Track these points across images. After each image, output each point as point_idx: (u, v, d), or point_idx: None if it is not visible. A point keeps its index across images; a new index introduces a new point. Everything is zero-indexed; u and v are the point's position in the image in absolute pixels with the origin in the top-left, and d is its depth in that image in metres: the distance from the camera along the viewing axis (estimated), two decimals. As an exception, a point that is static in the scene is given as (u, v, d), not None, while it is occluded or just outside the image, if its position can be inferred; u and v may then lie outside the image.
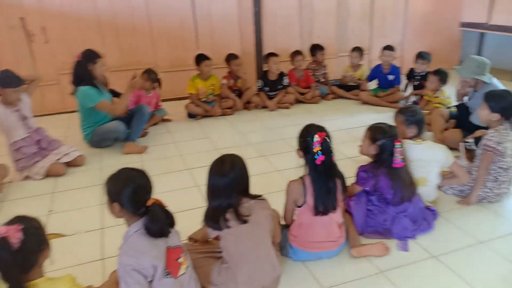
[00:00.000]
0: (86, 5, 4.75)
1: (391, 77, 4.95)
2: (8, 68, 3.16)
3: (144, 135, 4.12)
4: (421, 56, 4.58)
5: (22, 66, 4.52)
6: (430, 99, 4.14)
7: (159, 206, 1.61)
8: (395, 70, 4.94)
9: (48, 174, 3.23)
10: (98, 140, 3.75)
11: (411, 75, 4.78)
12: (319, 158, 1.96)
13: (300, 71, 5.17)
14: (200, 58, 4.59)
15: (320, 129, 2.01)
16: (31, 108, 3.32)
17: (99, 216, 2.67)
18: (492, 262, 2.14)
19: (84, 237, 2.45)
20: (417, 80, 4.66)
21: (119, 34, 4.97)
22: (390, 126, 2.33)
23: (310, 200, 2.04)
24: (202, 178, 3.10)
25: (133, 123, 3.76)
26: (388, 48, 4.91)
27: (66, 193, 3.04)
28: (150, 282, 1.60)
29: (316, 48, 5.26)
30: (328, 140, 1.99)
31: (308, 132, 2.02)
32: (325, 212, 2.05)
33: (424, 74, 4.50)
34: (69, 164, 3.39)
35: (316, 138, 1.95)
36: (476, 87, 3.38)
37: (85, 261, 2.21)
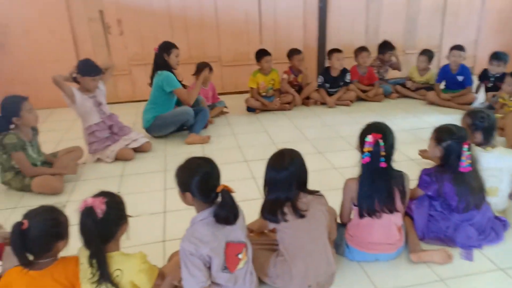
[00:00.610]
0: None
1: (460, 78, 4.67)
2: (87, 57, 3.42)
3: (210, 122, 4.32)
4: (497, 56, 4.27)
5: (99, 56, 4.85)
6: (505, 102, 3.85)
7: (228, 192, 1.64)
8: (464, 71, 4.66)
9: (118, 158, 3.46)
10: (163, 125, 3.86)
11: (484, 76, 4.49)
12: (365, 159, 1.93)
13: (363, 68, 5.05)
14: (261, 54, 4.63)
15: (378, 130, 1.95)
16: (105, 95, 3.56)
17: (162, 200, 2.81)
18: None
19: (148, 219, 2.59)
20: (491, 81, 4.36)
21: (188, 28, 5.16)
22: (459, 127, 2.19)
23: None
24: (258, 170, 3.20)
25: (197, 117, 3.89)
26: (457, 48, 4.63)
27: (133, 176, 3.24)
28: (209, 268, 1.66)
29: (385, 47, 5.11)
30: (381, 143, 1.91)
31: (366, 130, 1.99)
32: (369, 214, 2.01)
33: (499, 75, 4.21)
34: (137, 150, 3.60)
35: (369, 138, 1.91)
36: None
37: (148, 242, 2.34)
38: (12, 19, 4.66)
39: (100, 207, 1.50)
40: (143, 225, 2.52)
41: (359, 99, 5.03)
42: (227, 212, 1.63)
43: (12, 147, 2.82)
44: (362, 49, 4.98)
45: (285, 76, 4.88)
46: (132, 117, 4.27)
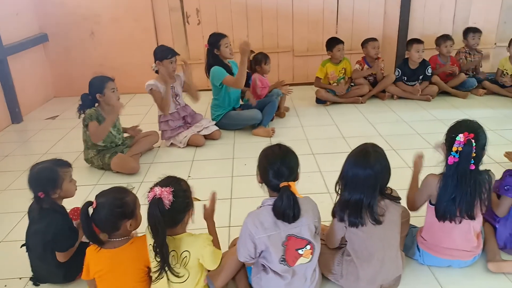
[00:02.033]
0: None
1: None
2: (170, 46, 3.56)
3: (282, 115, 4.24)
4: None
5: (177, 44, 5.07)
6: None
7: (289, 191, 1.61)
8: None
9: (189, 144, 3.60)
10: (230, 124, 3.91)
11: None
12: (452, 159, 1.78)
13: (445, 57, 4.70)
14: (333, 42, 4.49)
15: (470, 129, 1.78)
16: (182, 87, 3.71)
17: (229, 187, 2.88)
18: None
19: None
20: None
21: (263, 18, 5.18)
22: None
23: None
24: (325, 164, 3.15)
25: (265, 110, 3.90)
26: None
27: (203, 162, 3.36)
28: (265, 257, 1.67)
29: (468, 31, 4.73)
30: (473, 144, 1.75)
31: (456, 128, 1.83)
32: (445, 218, 1.86)
33: None
34: (207, 137, 3.71)
35: (460, 137, 1.75)
36: None
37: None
38: (103, 9, 5.02)
39: (167, 198, 1.54)
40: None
41: (441, 93, 4.69)
42: (281, 210, 1.61)
43: (89, 117, 3.02)
44: (445, 38, 4.63)
45: (357, 66, 4.70)
46: (205, 105, 4.42)
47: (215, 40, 3.73)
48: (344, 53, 4.56)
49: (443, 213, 1.86)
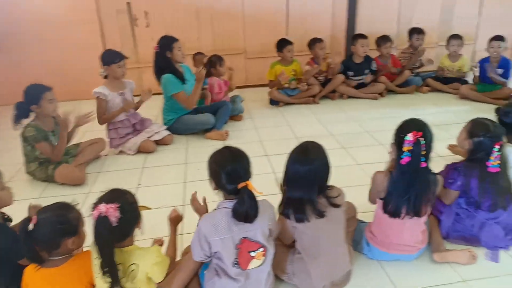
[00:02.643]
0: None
1: (500, 71, 4.42)
2: (117, 50, 3.46)
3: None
4: None
5: (125, 48, 4.92)
6: None
7: (249, 191, 1.61)
8: (506, 63, 4.40)
9: (140, 150, 3.50)
10: (182, 128, 3.82)
11: None
12: (405, 159, 1.82)
13: (386, 57, 4.89)
14: (283, 43, 4.54)
15: (418, 127, 1.83)
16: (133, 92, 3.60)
17: (182, 193, 2.82)
18: None
19: (166, 212, 2.59)
20: None
21: (214, 19, 5.15)
22: (496, 125, 2.06)
23: None
24: (279, 165, 3.13)
25: (219, 114, 3.87)
26: (497, 38, 4.37)
27: (154, 169, 3.27)
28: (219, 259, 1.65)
29: (413, 32, 4.95)
30: (422, 142, 1.80)
31: (404, 128, 1.86)
32: (397, 215, 1.92)
33: None
34: (159, 142, 3.62)
35: (409, 137, 1.79)
36: None
37: (165, 234, 2.35)
38: (48, 13, 4.78)
39: (114, 215, 1.48)
40: (161, 218, 2.52)
41: (389, 91, 4.87)
42: (243, 211, 1.60)
43: (33, 139, 2.88)
44: (385, 39, 4.82)
45: (307, 67, 4.77)
46: (156, 109, 4.31)
47: (168, 42, 3.64)
48: (293, 54, 4.61)
49: (396, 210, 1.91)
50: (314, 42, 4.73)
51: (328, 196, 1.79)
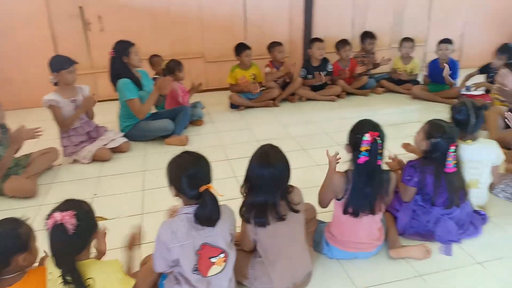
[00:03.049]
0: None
1: (449, 72, 4.64)
2: (66, 55, 3.32)
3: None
4: (501, 49, 4.15)
5: (79, 54, 4.74)
6: (497, 96, 3.80)
7: (211, 194, 1.59)
8: (453, 65, 4.62)
9: (95, 159, 3.37)
10: (140, 135, 3.73)
11: (485, 69, 4.43)
12: (362, 158, 1.86)
13: (345, 61, 5.01)
14: (241, 48, 4.56)
15: (374, 128, 1.88)
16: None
17: (140, 202, 2.75)
18: (546, 274, 1.97)
19: (125, 222, 2.53)
20: (491, 76, 4.26)
21: (171, 24, 5.07)
22: (451, 127, 2.13)
23: None
24: (241, 169, 3.13)
25: (178, 119, 3.81)
26: (445, 41, 4.60)
27: (111, 177, 3.17)
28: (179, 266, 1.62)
29: (366, 36, 5.10)
30: (378, 141, 1.86)
31: (360, 128, 1.90)
32: (355, 214, 1.96)
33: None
34: (115, 150, 3.51)
35: (367, 137, 1.84)
36: None
37: (123, 245, 2.28)
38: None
39: (70, 223, 1.42)
40: (119, 228, 2.44)
41: (347, 93, 4.99)
42: (206, 214, 1.58)
43: None
44: (344, 43, 4.94)
45: (267, 69, 4.81)
46: (112, 116, 4.18)
47: (124, 47, 3.55)
48: (252, 59, 4.63)
49: (356, 208, 1.94)
50: (273, 46, 4.78)
51: (289, 200, 1.79)
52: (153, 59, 4.46)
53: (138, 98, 3.59)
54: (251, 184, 1.78)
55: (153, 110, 3.93)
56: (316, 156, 3.34)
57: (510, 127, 2.94)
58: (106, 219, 2.56)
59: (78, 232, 1.44)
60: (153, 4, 4.94)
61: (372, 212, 1.97)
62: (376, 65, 5.20)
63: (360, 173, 1.91)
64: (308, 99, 4.91)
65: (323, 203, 2.13)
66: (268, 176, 1.72)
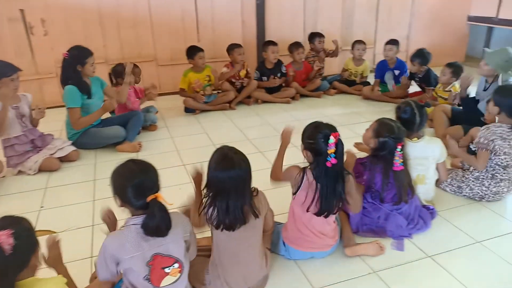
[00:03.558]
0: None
1: (397, 72, 4.83)
2: (8, 61, 3.13)
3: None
4: (415, 55, 4.36)
5: (21, 59, 4.49)
6: (440, 94, 4.00)
7: (159, 203, 1.53)
8: (401, 65, 4.82)
9: (42, 169, 3.19)
10: (89, 143, 3.58)
11: (411, 77, 4.64)
12: (331, 161, 1.84)
13: (299, 63, 5.08)
14: (194, 50, 4.51)
15: (332, 128, 1.88)
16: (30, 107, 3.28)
17: (90, 213, 2.63)
18: (489, 262, 2.09)
19: (75, 234, 2.42)
20: (416, 81, 4.54)
21: (120, 26, 4.92)
22: (399, 128, 2.20)
23: (301, 195, 1.96)
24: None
25: (130, 125, 3.69)
26: (390, 42, 4.79)
27: (59, 188, 3.01)
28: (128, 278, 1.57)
29: (314, 36, 5.20)
30: (341, 141, 1.88)
31: (318, 132, 1.87)
32: (327, 215, 1.97)
33: (421, 76, 4.40)
34: (63, 159, 3.34)
35: (332, 139, 1.83)
36: (492, 80, 3.35)
37: (74, 258, 2.16)
38: None
39: (7, 242, 1.32)
40: (68, 241, 2.30)
41: (301, 95, 5.06)
42: (154, 224, 1.51)
43: None
44: (297, 45, 5.01)
45: (225, 69, 4.78)
46: (58, 124, 4.00)
47: (82, 55, 3.38)
48: (205, 61, 4.59)
49: (328, 210, 1.94)
50: (232, 47, 4.76)
51: (252, 204, 1.76)
52: (133, 70, 4.32)
53: (80, 108, 3.42)
54: (217, 189, 1.71)
55: (104, 115, 3.78)
56: (273, 158, 3.34)
57: (453, 125, 3.12)
58: (54, 232, 2.43)
59: (16, 252, 1.34)
60: (100, 6, 4.77)
61: (332, 212, 1.98)
62: (330, 54, 5.30)
63: (329, 176, 1.89)
64: (264, 102, 4.93)
65: (278, 179, 2.15)
66: (231, 179, 1.67)
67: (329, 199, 1.91)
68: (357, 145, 3.29)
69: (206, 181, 1.75)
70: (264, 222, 1.88)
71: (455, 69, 3.86)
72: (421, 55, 4.33)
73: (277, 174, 2.18)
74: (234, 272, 1.79)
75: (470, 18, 6.49)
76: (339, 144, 1.86)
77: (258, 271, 1.86)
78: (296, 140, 2.08)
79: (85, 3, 4.70)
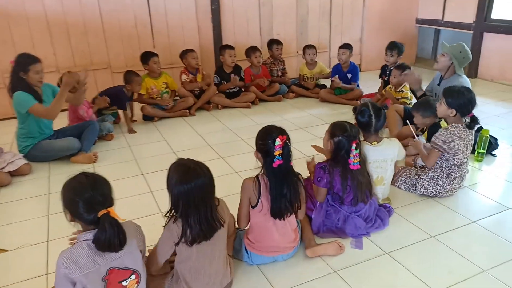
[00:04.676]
0: (31, 3, 4.50)
1: (349, 75, 4.97)
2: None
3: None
4: (389, 46, 4.49)
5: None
6: (394, 94, 4.14)
7: (111, 218, 1.49)
8: (353, 69, 4.97)
9: (-9, 185, 3.03)
10: (42, 155, 3.45)
11: (383, 71, 4.73)
12: (277, 162, 1.90)
13: (257, 67, 5.13)
14: (148, 55, 4.45)
15: (281, 132, 1.94)
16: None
17: (45, 228, 2.52)
18: (441, 255, 2.18)
19: (28, 251, 2.31)
20: (387, 75, 4.51)
21: (70, 33, 4.75)
22: (352, 126, 2.26)
23: (264, 201, 1.98)
24: (157, 183, 3.05)
25: (85, 135, 3.57)
26: (344, 46, 4.93)
27: (10, 204, 2.86)
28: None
29: (272, 43, 5.26)
30: (289, 143, 1.93)
31: (268, 135, 1.94)
32: (281, 216, 2.00)
33: (393, 68, 4.34)
34: (14, 173, 3.19)
35: (278, 141, 1.89)
36: (446, 73, 3.53)
37: (29, 277, 2.08)
38: None
39: None
40: (22, 258, 2.24)
41: (260, 100, 5.10)
42: (105, 240, 1.47)
43: None
44: (254, 49, 5.06)
45: (184, 77, 4.74)
46: (8, 136, 3.81)
47: (24, 62, 3.24)
48: (161, 67, 4.55)
49: (279, 210, 1.97)
50: (185, 52, 4.74)
51: (216, 214, 1.75)
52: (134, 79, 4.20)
53: (38, 103, 3.26)
54: (185, 203, 1.66)
55: (56, 127, 3.64)
56: (235, 163, 3.36)
57: (407, 124, 3.25)
58: (5, 250, 2.31)
59: None
60: (47, 12, 4.58)
61: (293, 211, 2.02)
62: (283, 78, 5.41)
63: (276, 176, 1.95)
64: (224, 107, 4.93)
65: (243, 221, 2.10)
66: (199, 188, 1.65)
67: (277, 199, 1.96)
68: (314, 146, 3.36)
69: (170, 201, 1.71)
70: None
71: (404, 70, 4.01)
72: (397, 46, 4.47)
73: (240, 218, 2.11)
74: (198, 284, 1.77)
75: (418, 21, 6.81)
76: (285, 146, 1.91)
77: (223, 280, 1.86)
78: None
79: (29, 10, 4.51)
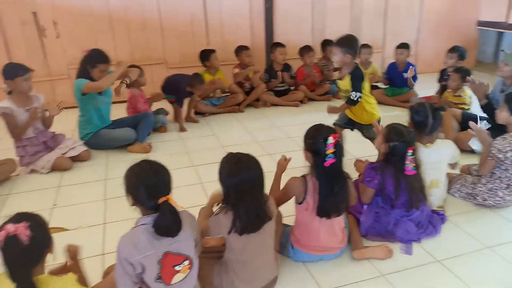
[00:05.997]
0: (96, 2, 4.77)
1: (405, 75, 4.81)
2: (21, 62, 3.19)
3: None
4: (451, 49, 4.34)
5: (34, 61, 4.57)
6: (450, 99, 3.98)
7: (170, 205, 1.55)
8: (409, 68, 4.81)
9: (54, 168, 3.25)
10: (101, 144, 3.64)
11: (441, 76, 4.55)
12: (329, 161, 1.89)
13: (310, 67, 5.11)
14: (208, 52, 4.60)
15: (332, 130, 1.93)
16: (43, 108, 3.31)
17: (102, 211, 2.67)
18: (496, 267, 2.08)
19: (86, 232, 2.46)
20: (445, 80, 4.33)
21: (130, 29, 4.99)
22: (409, 131, 2.20)
23: (310, 200, 1.98)
24: (206, 175, 3.14)
25: (140, 126, 3.73)
26: (401, 46, 4.81)
27: (71, 187, 3.06)
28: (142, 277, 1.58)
29: (326, 43, 5.21)
30: (341, 142, 1.92)
31: (319, 134, 1.93)
32: (328, 215, 1.99)
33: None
34: (75, 159, 3.40)
35: (331, 140, 1.88)
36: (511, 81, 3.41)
37: (85, 256, 2.19)
38: None
39: (24, 233, 1.35)
40: (81, 238, 2.38)
41: (309, 99, 5.09)
42: (165, 226, 1.54)
43: None
44: (307, 49, 5.04)
45: (236, 70, 4.83)
46: (72, 124, 4.06)
47: (95, 59, 3.46)
48: (219, 62, 4.67)
49: (326, 210, 1.97)
50: (240, 50, 4.82)
51: (266, 208, 1.78)
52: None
53: (89, 81, 3.43)
54: (237, 195, 1.71)
55: (115, 117, 3.84)
56: (281, 161, 3.37)
57: (464, 130, 3.10)
58: (66, 229, 2.48)
59: (33, 243, 1.37)
60: (110, 9, 4.84)
61: (340, 212, 2.01)
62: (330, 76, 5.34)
63: (327, 176, 1.94)
64: (272, 105, 4.96)
65: (277, 205, 2.12)
66: (250, 180, 1.69)
67: (327, 198, 1.95)
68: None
69: (223, 192, 1.76)
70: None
71: (464, 74, 3.84)
72: (458, 50, 4.32)
73: (277, 202, 2.12)
74: (246, 275, 1.80)
75: (480, 23, 6.47)
76: (337, 145, 1.90)
77: (268, 275, 1.88)
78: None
79: (94, 6, 4.78)
